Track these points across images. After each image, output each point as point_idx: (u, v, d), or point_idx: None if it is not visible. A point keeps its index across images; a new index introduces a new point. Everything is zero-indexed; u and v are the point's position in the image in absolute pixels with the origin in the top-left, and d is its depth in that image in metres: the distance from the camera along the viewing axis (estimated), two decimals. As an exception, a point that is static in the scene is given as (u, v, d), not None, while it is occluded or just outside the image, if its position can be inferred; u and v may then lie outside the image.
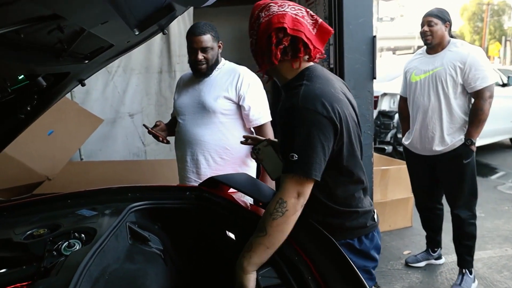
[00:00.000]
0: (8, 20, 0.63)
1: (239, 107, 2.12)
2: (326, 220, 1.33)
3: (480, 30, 32.88)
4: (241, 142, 1.77)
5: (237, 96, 2.10)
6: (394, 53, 28.09)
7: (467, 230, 2.64)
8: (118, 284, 1.25)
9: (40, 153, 2.87)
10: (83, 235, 1.40)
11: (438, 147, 2.60)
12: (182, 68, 3.58)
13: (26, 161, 2.80)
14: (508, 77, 6.13)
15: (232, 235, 1.56)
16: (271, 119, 2.21)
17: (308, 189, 1.20)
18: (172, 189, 1.85)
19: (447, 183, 2.70)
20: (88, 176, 2.95)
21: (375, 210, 1.47)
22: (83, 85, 1.58)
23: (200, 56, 2.05)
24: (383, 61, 9.70)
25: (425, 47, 2.72)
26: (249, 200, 1.73)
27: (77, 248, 1.34)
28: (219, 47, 2.11)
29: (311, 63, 1.32)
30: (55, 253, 1.32)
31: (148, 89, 3.61)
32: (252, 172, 2.29)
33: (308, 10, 1.29)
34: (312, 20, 1.28)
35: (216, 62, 2.11)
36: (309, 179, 1.18)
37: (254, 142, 1.70)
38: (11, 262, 1.34)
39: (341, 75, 2.46)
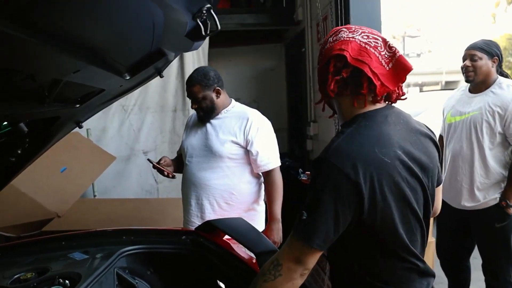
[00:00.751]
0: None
1: (247, 151, 2.06)
2: None
3: (512, 66, 32.29)
4: (303, 180, 1.57)
5: (245, 141, 2.04)
6: (421, 89, 27.81)
7: None
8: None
9: (52, 189, 2.90)
10: (67, 281, 1.37)
11: (467, 203, 2.27)
12: (196, 107, 3.62)
13: (38, 198, 2.83)
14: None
15: (222, 285, 1.50)
16: (280, 164, 2.14)
17: (309, 258, 0.99)
18: (168, 233, 1.80)
19: (479, 244, 2.38)
20: (98, 214, 2.94)
21: None
22: (80, 127, 1.59)
23: (194, 105, 2.07)
24: (408, 97, 9.55)
25: (468, 84, 2.36)
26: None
27: (60, 295, 1.31)
28: (217, 92, 2.06)
29: (379, 106, 1.08)
30: (36, 300, 1.29)
31: (163, 127, 3.67)
32: (260, 217, 2.20)
33: (387, 40, 1.06)
34: (389, 52, 1.05)
35: (213, 109, 2.07)
36: (311, 248, 0.98)
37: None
38: (-6, 308, 1.32)
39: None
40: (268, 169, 2.08)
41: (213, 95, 2.06)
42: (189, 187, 2.11)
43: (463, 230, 2.39)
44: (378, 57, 1.04)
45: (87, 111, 1.55)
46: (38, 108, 1.12)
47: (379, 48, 1.04)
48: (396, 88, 1.08)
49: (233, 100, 2.20)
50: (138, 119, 3.64)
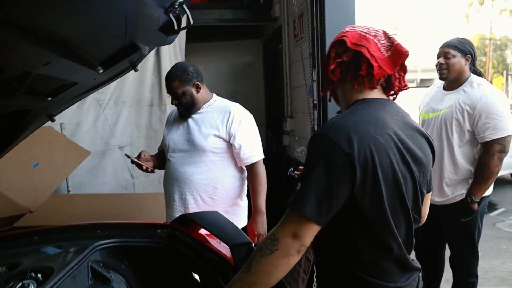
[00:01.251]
0: None
1: (230, 145, 2.06)
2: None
3: (484, 64, 33.21)
4: (296, 174, 1.57)
5: (228, 134, 2.05)
6: (397, 86, 28.31)
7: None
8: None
9: (24, 185, 2.84)
10: (39, 275, 1.36)
11: (437, 198, 2.31)
12: (173, 102, 3.60)
13: (9, 193, 2.77)
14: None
15: (197, 277, 1.51)
16: (263, 157, 2.17)
17: (306, 232, 0.99)
18: (144, 227, 1.80)
19: (448, 237, 2.46)
20: (72, 209, 2.90)
21: None
22: (52, 120, 1.58)
23: (174, 101, 2.07)
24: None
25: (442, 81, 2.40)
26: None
27: (31, 288, 1.30)
28: (197, 87, 2.06)
29: (376, 96, 1.13)
30: (7, 294, 1.28)
31: (139, 122, 3.62)
32: (244, 212, 2.23)
33: (387, 33, 1.14)
34: (388, 42, 1.12)
35: (193, 104, 2.07)
36: (304, 218, 0.98)
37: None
38: (-38, 302, 1.30)
39: (325, 111, 2.44)
40: (251, 162, 2.10)
41: (193, 90, 2.06)
42: (172, 183, 2.10)
43: (435, 224, 2.44)
44: (377, 43, 1.10)
45: (59, 105, 1.54)
46: (7, 101, 1.11)
47: (378, 37, 1.11)
48: (395, 73, 1.13)
49: (214, 94, 2.20)
50: (113, 113, 3.59)
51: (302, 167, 1.32)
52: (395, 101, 1.21)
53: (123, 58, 1.33)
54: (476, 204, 2.24)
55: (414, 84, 27.64)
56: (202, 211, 1.91)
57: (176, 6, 0.92)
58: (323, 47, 2.41)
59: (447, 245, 2.55)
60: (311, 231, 1.00)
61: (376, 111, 1.09)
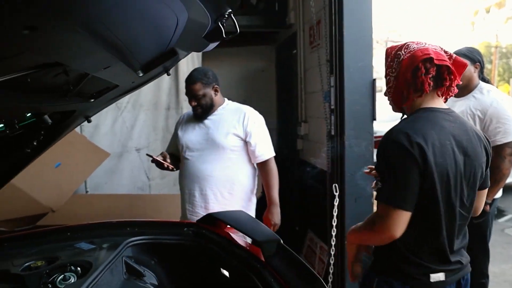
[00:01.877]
0: (15, 67, 0.69)
1: (246, 143, 2.22)
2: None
3: (489, 72, 33.21)
4: (365, 173, 1.73)
5: (245, 133, 2.20)
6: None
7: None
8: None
9: (46, 185, 2.93)
10: (78, 269, 1.42)
11: None
12: (189, 105, 3.68)
13: (32, 193, 2.85)
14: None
15: (226, 273, 1.57)
16: (274, 154, 2.31)
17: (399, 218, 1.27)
18: (171, 225, 1.87)
19: None
20: (92, 209, 2.98)
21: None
22: (89, 121, 1.65)
23: (194, 102, 2.19)
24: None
25: None
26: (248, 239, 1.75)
27: (72, 281, 1.36)
28: (215, 90, 2.21)
29: (437, 105, 1.38)
30: (50, 286, 1.34)
31: (156, 125, 3.71)
32: (254, 208, 2.36)
33: (441, 47, 1.38)
34: (447, 55, 1.36)
35: (211, 106, 2.21)
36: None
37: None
38: (7, 293, 1.36)
39: (342, 116, 2.51)
40: (264, 159, 2.25)
41: (212, 93, 2.20)
42: (192, 180, 2.22)
43: None
44: (445, 56, 1.33)
45: (98, 106, 1.61)
46: (60, 101, 1.19)
47: (442, 52, 1.35)
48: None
49: (226, 98, 2.34)
50: (131, 116, 3.68)
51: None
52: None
53: (161, 63, 1.40)
54: (488, 206, 2.30)
55: (419, 91, 27.71)
56: (227, 210, 1.97)
57: (226, 15, 0.99)
58: (341, 53, 2.49)
59: None
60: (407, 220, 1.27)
61: (436, 118, 1.33)
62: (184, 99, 3.72)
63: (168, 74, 1.69)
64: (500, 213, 5.62)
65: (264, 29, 4.14)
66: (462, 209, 1.37)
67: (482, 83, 2.40)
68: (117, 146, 3.66)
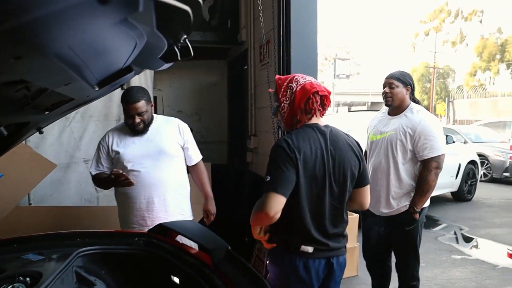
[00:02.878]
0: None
1: (183, 149, 2.48)
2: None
3: (428, 91, 35.54)
4: None
5: (183, 141, 2.45)
6: (350, 109, 29.61)
7: None
8: (60, 326, 1.28)
9: (-12, 196, 2.82)
10: (28, 279, 1.43)
11: (384, 209, 2.62)
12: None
13: (-28, 205, 2.74)
14: (447, 136, 6.69)
15: (176, 280, 1.64)
16: (201, 157, 2.61)
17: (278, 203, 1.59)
18: (121, 235, 1.91)
19: (394, 245, 2.73)
20: (37, 222, 2.91)
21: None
22: (41, 132, 1.67)
23: (137, 119, 2.30)
24: (336, 117, 10.25)
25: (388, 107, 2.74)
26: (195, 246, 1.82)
27: (21, 291, 1.37)
28: (152, 106, 2.39)
29: (317, 122, 1.74)
30: (-2, 297, 1.35)
31: (105, 136, 3.68)
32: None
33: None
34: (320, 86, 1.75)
35: (151, 120, 2.39)
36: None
37: None
38: (-50, 306, 1.35)
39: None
40: (198, 161, 2.55)
41: (151, 109, 2.37)
42: (149, 189, 2.34)
43: (383, 234, 2.73)
44: (322, 87, 1.75)
45: (50, 118, 1.63)
46: (17, 113, 1.22)
47: (318, 83, 1.77)
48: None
49: None
50: (80, 127, 3.62)
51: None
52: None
53: (117, 79, 1.47)
54: (418, 214, 2.54)
55: (365, 107, 29.05)
56: (177, 220, 2.04)
57: (182, 40, 1.10)
58: (289, 71, 2.66)
59: (393, 254, 2.83)
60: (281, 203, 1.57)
61: (313, 133, 1.69)
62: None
63: (123, 89, 1.75)
64: (434, 222, 6.08)
65: (217, 45, 4.26)
66: (333, 201, 1.72)
67: (412, 104, 2.67)
68: (64, 157, 3.58)
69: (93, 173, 2.43)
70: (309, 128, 1.71)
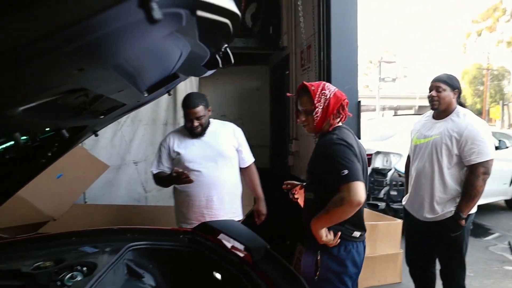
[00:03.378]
0: (54, 92, 0.87)
1: (237, 152, 2.62)
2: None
3: (481, 93, 33.81)
4: (284, 188, 2.28)
5: (238, 144, 2.61)
6: (396, 113, 28.78)
7: None
8: (113, 312, 1.40)
9: (48, 194, 3.06)
10: (84, 268, 1.57)
11: (428, 215, 2.57)
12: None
13: (34, 202, 2.99)
14: (500, 141, 6.37)
15: (218, 276, 1.72)
16: (254, 160, 2.75)
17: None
18: (168, 232, 2.03)
19: (438, 251, 2.67)
20: (91, 219, 3.12)
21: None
22: (96, 135, 1.82)
23: (196, 123, 2.47)
24: (381, 121, 10.03)
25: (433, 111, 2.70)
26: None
27: (79, 279, 1.51)
28: (209, 111, 2.55)
29: (338, 125, 1.96)
30: (59, 283, 1.49)
31: (153, 139, 3.88)
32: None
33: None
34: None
35: (208, 124, 2.55)
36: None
37: (292, 186, 2.26)
38: (19, 290, 1.50)
39: (329, 134, 2.70)
40: (249, 164, 2.69)
41: (208, 113, 2.54)
42: (209, 188, 2.51)
43: (427, 239, 2.67)
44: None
45: (105, 122, 1.78)
46: (76, 118, 1.36)
47: None
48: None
49: None
50: (130, 131, 3.85)
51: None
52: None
53: (164, 85, 1.58)
54: (464, 220, 2.47)
55: (412, 111, 28.09)
56: (220, 219, 2.14)
57: (223, 49, 1.18)
58: (329, 76, 2.69)
59: (437, 260, 2.76)
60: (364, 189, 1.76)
61: (349, 132, 1.93)
62: (181, 115, 3.91)
63: (169, 94, 1.88)
64: (486, 231, 5.80)
65: (259, 50, 4.36)
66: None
67: (459, 107, 2.61)
68: (115, 159, 3.81)
69: (154, 172, 2.62)
70: (343, 129, 1.93)
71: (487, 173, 2.45)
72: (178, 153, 2.53)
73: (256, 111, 5.05)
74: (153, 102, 3.82)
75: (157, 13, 0.49)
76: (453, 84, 2.59)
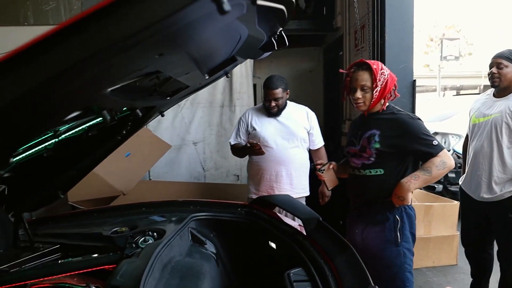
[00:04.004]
0: (133, 75, 1.02)
1: (309, 134, 2.80)
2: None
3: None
4: (313, 165, 2.32)
5: (310, 126, 2.79)
6: (458, 92, 27.19)
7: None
8: (180, 270, 1.58)
9: (118, 171, 3.36)
10: (155, 233, 1.77)
11: (486, 195, 2.53)
12: (242, 103, 4.02)
13: (107, 178, 3.30)
14: None
15: (273, 245, 1.86)
16: (323, 143, 2.91)
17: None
18: (227, 205, 2.19)
19: (496, 232, 2.62)
20: (156, 193, 3.38)
21: None
22: (162, 115, 2.00)
23: (273, 103, 2.67)
24: (440, 101, 9.62)
25: (493, 88, 2.61)
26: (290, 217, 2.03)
27: (150, 242, 1.71)
28: (287, 94, 2.73)
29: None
30: (134, 245, 1.69)
31: (211, 121, 4.08)
32: None
33: None
34: None
35: (285, 106, 2.74)
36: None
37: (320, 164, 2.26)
38: (101, 250, 1.73)
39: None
40: (320, 146, 2.88)
41: (286, 96, 2.72)
42: (279, 163, 2.72)
43: (484, 220, 2.63)
44: None
45: (170, 103, 1.95)
46: (146, 98, 1.52)
47: None
48: None
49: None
50: (189, 113, 4.07)
51: None
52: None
53: (223, 68, 1.71)
54: None
55: (477, 90, 26.36)
56: (275, 194, 2.27)
57: (278, 32, 1.28)
58: (383, 56, 2.69)
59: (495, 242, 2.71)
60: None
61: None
62: (237, 98, 4.07)
63: (228, 77, 2.01)
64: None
65: (312, 32, 4.38)
66: None
67: None
68: (176, 139, 4.06)
69: (232, 143, 2.88)
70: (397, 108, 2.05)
71: None
72: (255, 129, 2.76)
73: (310, 92, 5.09)
74: (210, 85, 4.00)
75: (226, 5, 0.60)
76: None
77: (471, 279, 2.92)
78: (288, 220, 1.94)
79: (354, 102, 2.00)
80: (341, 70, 2.18)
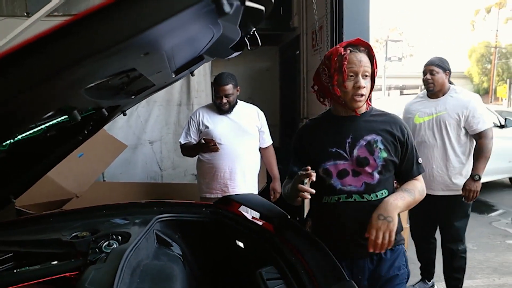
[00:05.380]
0: (108, 73, 0.98)
1: (259, 132, 2.84)
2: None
3: (488, 72, 33.39)
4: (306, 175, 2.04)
5: (261, 125, 2.82)
6: (401, 92, 28.62)
7: (457, 264, 2.84)
8: (150, 274, 1.54)
9: (71, 173, 3.20)
10: (119, 237, 1.70)
11: (442, 189, 2.79)
12: (199, 101, 3.97)
13: (58, 180, 3.13)
14: (506, 119, 6.43)
15: (241, 244, 1.86)
16: (272, 142, 2.97)
17: None
18: (191, 205, 2.15)
19: (442, 216, 2.86)
20: (111, 195, 3.26)
21: None
22: (124, 114, 1.93)
23: (224, 100, 2.67)
24: (386, 100, 10.06)
25: (425, 91, 2.95)
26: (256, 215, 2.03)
27: (115, 247, 1.64)
28: (238, 91, 2.74)
29: None
30: (97, 250, 1.62)
31: (168, 120, 4.00)
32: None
33: None
34: None
35: (236, 103, 2.74)
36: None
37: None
38: (61, 256, 1.64)
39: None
40: (269, 144, 2.93)
41: (236, 93, 2.74)
42: (233, 161, 2.72)
43: (429, 208, 2.85)
44: None
45: (133, 102, 1.89)
46: (112, 97, 1.47)
47: None
48: None
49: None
50: (145, 111, 3.96)
51: None
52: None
53: (190, 66, 1.69)
54: (480, 182, 2.70)
55: (418, 90, 27.93)
56: (240, 193, 2.27)
57: (251, 32, 1.28)
58: (341, 57, 2.77)
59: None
60: None
61: None
62: (194, 96, 4.02)
63: (193, 75, 1.97)
64: (490, 207, 5.93)
65: (269, 31, 4.41)
66: None
67: (452, 86, 2.87)
68: (132, 138, 3.94)
69: (182, 142, 2.84)
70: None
71: (493, 137, 2.72)
72: (207, 127, 2.74)
73: (267, 91, 5.13)
74: (167, 83, 3.92)
75: (227, 7, 0.59)
76: (444, 66, 2.80)
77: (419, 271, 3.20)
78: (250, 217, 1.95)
79: (356, 92, 1.52)
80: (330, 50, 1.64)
